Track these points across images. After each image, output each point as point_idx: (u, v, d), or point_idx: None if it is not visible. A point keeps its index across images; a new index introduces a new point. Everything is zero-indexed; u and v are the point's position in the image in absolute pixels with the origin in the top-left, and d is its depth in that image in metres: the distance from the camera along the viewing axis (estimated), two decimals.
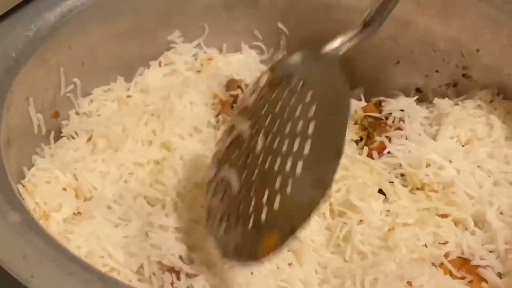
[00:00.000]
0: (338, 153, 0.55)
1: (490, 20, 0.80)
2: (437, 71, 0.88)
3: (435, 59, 0.87)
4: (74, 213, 0.68)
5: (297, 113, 0.59)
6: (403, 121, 0.78)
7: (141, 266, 0.63)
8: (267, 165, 0.58)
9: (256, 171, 0.59)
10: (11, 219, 0.53)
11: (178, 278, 0.62)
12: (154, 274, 0.62)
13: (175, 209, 0.68)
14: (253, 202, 0.58)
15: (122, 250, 0.64)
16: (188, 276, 0.62)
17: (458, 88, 0.86)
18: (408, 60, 0.89)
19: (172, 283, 0.61)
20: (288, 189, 0.56)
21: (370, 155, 0.75)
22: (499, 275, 0.64)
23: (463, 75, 0.86)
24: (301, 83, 0.61)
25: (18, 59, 0.69)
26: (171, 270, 0.62)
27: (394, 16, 0.85)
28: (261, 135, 0.60)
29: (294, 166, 0.56)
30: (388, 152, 0.75)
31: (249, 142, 0.61)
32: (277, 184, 0.57)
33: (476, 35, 0.82)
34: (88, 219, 0.66)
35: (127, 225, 0.67)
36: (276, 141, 0.59)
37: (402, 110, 0.79)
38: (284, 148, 0.58)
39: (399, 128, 0.77)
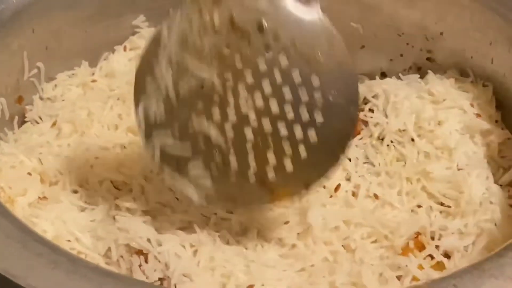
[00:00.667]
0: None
1: (453, 3, 0.81)
2: (401, 55, 0.89)
3: (400, 43, 0.88)
4: (39, 198, 0.67)
5: (296, 80, 0.59)
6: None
7: (109, 250, 0.62)
8: (266, 127, 0.59)
9: (247, 130, 0.59)
10: None
11: (146, 261, 0.61)
12: (121, 257, 0.62)
13: (142, 192, 0.68)
14: (250, 159, 0.59)
15: (89, 234, 0.63)
16: (157, 258, 0.61)
17: (422, 71, 0.87)
18: (372, 44, 0.90)
19: (140, 266, 0.61)
20: (303, 154, 0.59)
21: None
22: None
23: (427, 59, 0.87)
24: (289, 43, 0.59)
25: None
26: (139, 252, 0.62)
27: (359, 0, 0.87)
28: (244, 91, 0.59)
29: (306, 133, 0.58)
30: None
31: (225, 96, 0.60)
32: (287, 148, 0.59)
33: (439, 19, 0.83)
34: (54, 203, 0.66)
35: (94, 209, 0.67)
36: (273, 104, 0.59)
37: None
38: (290, 114, 0.59)
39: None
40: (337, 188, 0.70)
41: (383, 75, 0.90)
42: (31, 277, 0.48)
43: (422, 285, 0.53)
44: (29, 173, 0.69)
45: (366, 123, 0.77)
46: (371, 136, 0.75)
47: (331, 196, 0.70)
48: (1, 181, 0.66)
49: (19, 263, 0.49)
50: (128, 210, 0.66)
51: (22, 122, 0.77)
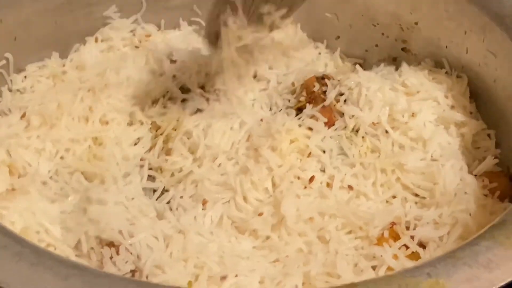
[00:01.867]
0: None
1: None
2: (376, 46, 0.89)
3: (375, 33, 0.88)
4: (8, 189, 0.66)
5: None
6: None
7: (79, 242, 0.62)
8: None
9: None
10: None
11: (118, 253, 0.60)
12: (92, 249, 0.61)
13: (114, 183, 0.67)
14: None
15: (59, 226, 0.62)
16: (128, 250, 0.60)
17: (398, 62, 0.86)
18: (348, 35, 0.90)
19: (111, 258, 0.60)
20: None
21: None
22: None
23: (403, 49, 0.87)
24: None
25: None
26: (110, 244, 0.61)
27: None
28: None
29: None
30: None
31: None
32: None
33: (414, 9, 0.83)
34: (23, 194, 0.65)
35: (64, 201, 0.66)
36: None
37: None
38: None
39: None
40: (311, 179, 0.70)
41: (359, 66, 0.89)
42: None
43: (396, 274, 0.53)
44: None
45: (341, 114, 0.76)
46: (345, 128, 0.75)
47: (305, 187, 0.70)
48: None
49: None
50: (99, 201, 0.64)
51: None
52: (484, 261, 0.50)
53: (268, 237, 0.65)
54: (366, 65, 0.89)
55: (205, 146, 0.71)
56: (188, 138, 0.73)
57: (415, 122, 0.75)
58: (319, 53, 0.90)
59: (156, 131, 0.75)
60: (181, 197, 0.69)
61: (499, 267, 0.50)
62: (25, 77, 0.80)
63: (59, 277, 0.47)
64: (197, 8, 0.91)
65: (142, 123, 0.76)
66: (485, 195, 0.69)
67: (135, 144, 0.74)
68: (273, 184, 0.69)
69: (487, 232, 0.54)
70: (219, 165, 0.70)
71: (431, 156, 0.72)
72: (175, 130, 0.74)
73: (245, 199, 0.68)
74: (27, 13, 0.78)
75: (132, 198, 0.66)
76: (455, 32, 0.79)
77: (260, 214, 0.67)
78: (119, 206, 0.64)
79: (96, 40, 0.86)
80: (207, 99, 0.77)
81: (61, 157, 0.71)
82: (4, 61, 0.77)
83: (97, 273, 0.50)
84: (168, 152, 0.73)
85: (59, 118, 0.74)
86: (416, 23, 0.83)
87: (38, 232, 0.61)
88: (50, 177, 0.69)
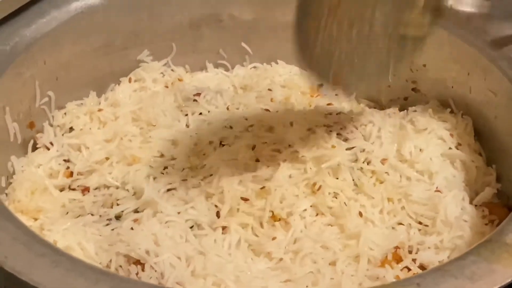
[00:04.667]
0: None
1: (434, 37, 0.85)
2: (389, 86, 0.94)
3: None
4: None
5: None
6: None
7: (110, 261, 0.67)
8: None
9: None
10: None
11: (143, 270, 0.66)
12: (120, 266, 0.67)
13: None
14: None
15: (93, 245, 0.68)
16: (153, 268, 0.66)
17: (409, 101, 0.92)
18: None
19: (137, 274, 0.66)
20: None
21: None
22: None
23: (413, 89, 0.92)
24: None
25: None
26: (137, 262, 0.67)
27: None
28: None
29: None
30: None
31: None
32: None
33: (423, 52, 0.88)
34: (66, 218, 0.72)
35: (100, 223, 0.73)
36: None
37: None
38: None
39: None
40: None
41: (374, 103, 0.95)
42: (34, 273, 0.53)
43: (389, 284, 0.58)
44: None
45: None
46: (356, 160, 0.80)
47: (317, 214, 0.75)
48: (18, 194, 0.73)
49: (24, 262, 0.54)
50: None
51: (34, 147, 0.82)
52: (469, 273, 0.55)
53: (281, 259, 0.71)
54: (380, 103, 0.95)
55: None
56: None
57: (422, 156, 0.80)
58: (336, 94, 0.96)
59: None
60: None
61: (482, 278, 0.55)
62: (65, 113, 0.86)
63: (90, 281, 0.53)
64: (223, 51, 0.98)
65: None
66: (486, 224, 0.75)
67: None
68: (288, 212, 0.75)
69: (475, 248, 0.59)
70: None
71: (436, 188, 0.78)
72: None
73: (261, 224, 0.74)
74: (68, 55, 0.85)
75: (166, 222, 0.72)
76: (459, 73, 0.85)
77: (274, 239, 0.72)
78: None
79: (130, 81, 0.93)
80: None
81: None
82: (46, 99, 0.83)
83: (123, 279, 0.56)
84: None
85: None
86: (424, 65, 0.89)
87: (75, 250, 0.67)
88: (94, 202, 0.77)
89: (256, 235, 0.73)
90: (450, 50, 0.85)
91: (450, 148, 0.82)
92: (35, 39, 0.80)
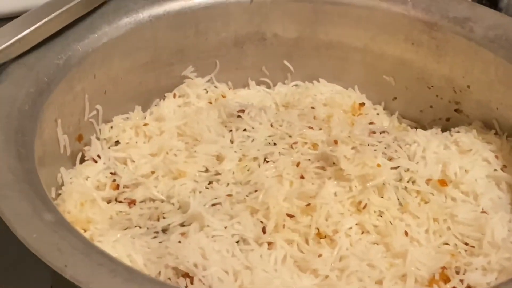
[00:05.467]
0: None
1: (479, 58, 0.86)
2: (431, 107, 0.94)
3: (430, 95, 0.94)
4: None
5: None
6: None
7: (159, 274, 0.68)
8: None
9: None
10: (46, 218, 0.59)
11: (192, 283, 0.67)
12: (169, 279, 0.67)
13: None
14: None
15: (142, 257, 0.69)
16: (201, 281, 0.67)
17: (451, 122, 0.92)
18: (404, 96, 0.96)
19: (186, 286, 0.66)
20: None
21: None
22: None
23: (455, 110, 0.92)
24: None
25: (49, 83, 0.75)
26: (186, 275, 0.67)
27: (391, 55, 0.93)
28: None
29: None
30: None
31: None
32: None
33: (466, 73, 0.89)
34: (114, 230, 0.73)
35: (149, 236, 0.73)
36: None
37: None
38: None
39: None
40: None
41: (415, 123, 0.95)
42: (94, 282, 0.54)
43: None
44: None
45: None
46: (401, 180, 0.80)
47: (362, 233, 0.75)
48: (68, 205, 0.74)
49: (84, 271, 0.55)
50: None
51: (82, 159, 0.83)
52: None
53: (327, 276, 0.71)
54: (421, 124, 0.95)
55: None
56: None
57: (467, 177, 0.80)
58: (377, 114, 0.97)
59: None
60: None
61: None
62: (111, 127, 0.87)
63: None
64: (265, 69, 0.99)
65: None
66: None
67: None
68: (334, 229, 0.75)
69: None
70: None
71: (482, 209, 0.78)
72: None
73: (306, 241, 0.75)
74: (116, 70, 0.86)
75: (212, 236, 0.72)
76: (504, 95, 0.85)
77: (320, 256, 0.73)
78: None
79: (174, 96, 0.94)
80: None
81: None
82: (94, 112, 0.85)
83: None
84: None
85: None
86: (468, 86, 0.89)
87: (125, 261, 0.67)
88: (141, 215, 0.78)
89: (302, 252, 0.73)
90: (495, 71, 0.85)
91: (495, 170, 0.82)
92: (87, 54, 0.81)
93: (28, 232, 0.57)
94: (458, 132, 0.87)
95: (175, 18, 0.90)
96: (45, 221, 0.59)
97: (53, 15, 0.78)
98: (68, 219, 0.71)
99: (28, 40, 0.76)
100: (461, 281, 0.69)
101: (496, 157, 0.83)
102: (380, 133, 0.86)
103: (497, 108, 0.87)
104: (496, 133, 0.87)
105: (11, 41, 0.74)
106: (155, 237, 0.73)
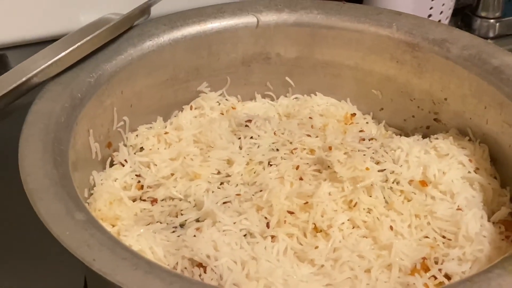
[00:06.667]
0: None
1: (455, 75, 0.85)
2: (413, 116, 0.92)
3: (412, 106, 0.92)
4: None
5: None
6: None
7: (176, 264, 0.67)
8: None
9: None
10: (78, 217, 0.58)
11: (205, 272, 0.66)
12: (185, 268, 0.66)
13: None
14: None
15: (162, 249, 0.68)
16: (213, 271, 0.66)
17: (431, 129, 0.91)
18: (389, 107, 0.94)
19: (200, 275, 0.65)
20: None
21: None
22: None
23: (435, 119, 0.90)
24: None
25: (82, 99, 0.75)
26: (200, 265, 0.66)
27: (378, 72, 0.92)
28: None
29: None
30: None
31: None
32: None
33: (444, 87, 0.87)
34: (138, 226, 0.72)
35: (168, 230, 0.72)
36: None
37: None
38: None
39: None
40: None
41: (400, 130, 0.94)
42: (118, 274, 0.53)
43: None
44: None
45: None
46: (387, 181, 0.78)
47: (353, 227, 0.74)
48: (98, 203, 0.73)
49: (109, 264, 0.54)
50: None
51: (111, 163, 0.82)
52: (495, 285, 0.54)
53: (322, 266, 0.70)
54: (405, 131, 0.93)
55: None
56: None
57: (444, 178, 0.78)
58: (367, 122, 0.96)
59: None
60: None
61: None
62: (137, 135, 0.86)
63: (166, 283, 0.53)
64: (270, 84, 0.98)
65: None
66: (502, 239, 0.73)
67: None
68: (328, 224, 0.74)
69: (499, 262, 0.57)
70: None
71: (458, 206, 0.76)
72: None
73: (304, 235, 0.73)
74: (140, 86, 0.86)
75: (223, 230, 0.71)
76: (477, 107, 0.83)
77: (316, 247, 0.71)
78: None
79: (191, 108, 0.93)
80: None
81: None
82: (122, 123, 0.84)
83: (193, 281, 0.56)
84: None
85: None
86: (445, 99, 0.87)
87: (147, 253, 0.67)
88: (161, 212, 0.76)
89: (301, 244, 0.72)
90: (469, 87, 0.84)
91: (469, 172, 0.80)
92: (115, 73, 0.81)
93: (62, 230, 0.56)
94: (437, 138, 0.85)
95: (191, 41, 0.89)
96: (76, 220, 0.58)
97: (85, 39, 0.77)
98: (99, 216, 0.71)
99: (64, 61, 0.75)
100: (440, 270, 0.68)
101: (470, 160, 0.81)
102: (369, 140, 0.84)
103: (470, 118, 0.85)
104: (470, 140, 0.85)
105: (50, 62, 0.74)
106: (173, 232, 0.72)
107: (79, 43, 0.76)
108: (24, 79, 0.71)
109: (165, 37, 0.87)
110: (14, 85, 0.71)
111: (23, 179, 0.62)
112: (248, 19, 0.92)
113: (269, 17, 0.92)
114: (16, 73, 0.72)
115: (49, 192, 0.60)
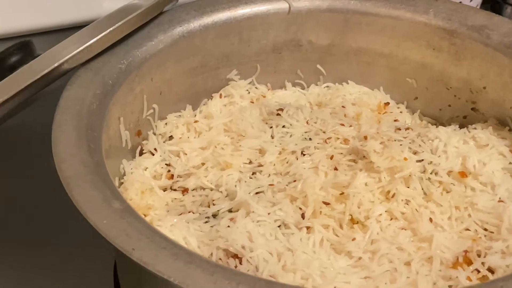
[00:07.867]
0: None
1: (494, 62, 0.83)
2: (449, 106, 0.91)
3: (448, 96, 0.91)
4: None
5: None
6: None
7: (211, 255, 0.66)
8: None
9: None
10: (115, 206, 0.57)
11: (241, 263, 0.65)
12: (220, 259, 0.66)
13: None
14: None
15: (196, 240, 0.67)
16: (249, 262, 0.65)
17: (468, 119, 0.89)
18: (424, 96, 0.93)
19: (235, 266, 0.64)
20: None
21: None
22: None
23: (472, 109, 0.89)
24: None
25: (114, 85, 0.74)
26: (235, 256, 0.65)
27: (413, 60, 0.91)
28: None
29: None
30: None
31: None
32: None
33: (483, 75, 0.86)
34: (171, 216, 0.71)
35: (201, 221, 0.72)
36: None
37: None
38: None
39: None
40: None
41: (435, 120, 0.93)
42: (158, 264, 0.52)
43: (474, 285, 0.55)
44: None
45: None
46: (425, 171, 0.77)
47: (391, 219, 0.73)
48: (130, 193, 0.73)
49: (149, 254, 0.53)
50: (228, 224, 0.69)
51: (141, 152, 0.81)
52: None
53: (360, 258, 0.69)
54: (440, 121, 0.92)
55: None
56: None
57: (485, 169, 0.77)
58: (401, 112, 0.94)
59: None
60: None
61: None
62: (166, 124, 0.85)
63: (207, 272, 0.52)
64: (300, 72, 0.97)
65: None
66: None
67: None
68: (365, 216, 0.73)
69: None
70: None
71: (499, 198, 0.74)
72: None
73: (341, 226, 0.72)
74: (170, 73, 0.85)
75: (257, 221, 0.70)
76: None
77: (353, 239, 0.70)
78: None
79: (221, 96, 0.92)
80: None
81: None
82: (151, 110, 0.83)
83: (234, 271, 0.55)
84: None
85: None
86: (484, 87, 0.86)
87: (181, 244, 0.66)
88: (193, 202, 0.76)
89: (337, 235, 0.71)
90: (509, 74, 0.82)
91: (510, 163, 0.79)
92: (145, 59, 0.80)
93: (99, 218, 0.56)
94: (475, 128, 0.84)
95: (222, 28, 0.88)
96: (113, 209, 0.57)
97: (115, 25, 0.76)
98: (131, 206, 0.70)
99: (94, 48, 0.75)
100: (483, 263, 0.66)
101: (511, 151, 0.80)
102: (405, 130, 0.83)
103: (510, 107, 0.83)
104: (510, 130, 0.83)
105: (80, 49, 0.73)
106: (206, 222, 0.72)
107: (110, 29, 0.75)
108: (56, 64, 0.70)
109: (196, 23, 0.86)
110: (45, 71, 0.70)
111: (57, 166, 0.61)
112: (279, 5, 0.90)
113: (301, 3, 0.91)
114: (46, 59, 0.72)
115: (85, 180, 0.60)
